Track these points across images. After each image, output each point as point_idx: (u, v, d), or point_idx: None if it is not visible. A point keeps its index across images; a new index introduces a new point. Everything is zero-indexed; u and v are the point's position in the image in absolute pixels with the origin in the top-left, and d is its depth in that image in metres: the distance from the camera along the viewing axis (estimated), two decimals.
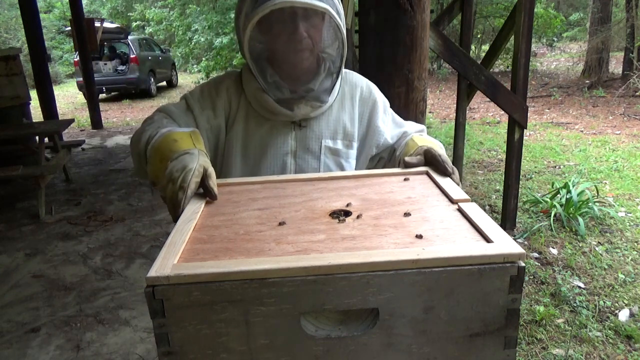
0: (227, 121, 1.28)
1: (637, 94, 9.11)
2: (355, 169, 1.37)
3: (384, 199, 1.01)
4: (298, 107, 1.22)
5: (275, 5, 1.06)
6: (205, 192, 0.98)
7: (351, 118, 1.33)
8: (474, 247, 0.76)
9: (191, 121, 1.24)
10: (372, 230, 0.86)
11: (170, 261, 0.74)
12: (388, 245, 0.80)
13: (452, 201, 0.97)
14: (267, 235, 0.85)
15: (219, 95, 1.28)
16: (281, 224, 0.89)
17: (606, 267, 3.35)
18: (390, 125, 1.39)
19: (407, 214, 0.91)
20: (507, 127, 3.86)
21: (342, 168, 1.31)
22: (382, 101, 1.39)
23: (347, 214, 0.94)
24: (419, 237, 0.81)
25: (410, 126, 1.42)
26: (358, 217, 0.92)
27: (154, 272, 0.71)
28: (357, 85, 1.36)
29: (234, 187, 1.11)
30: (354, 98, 1.34)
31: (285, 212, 0.95)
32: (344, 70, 1.30)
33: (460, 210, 0.92)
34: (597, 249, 3.61)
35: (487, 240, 0.78)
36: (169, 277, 0.70)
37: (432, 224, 0.87)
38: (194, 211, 0.93)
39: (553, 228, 3.90)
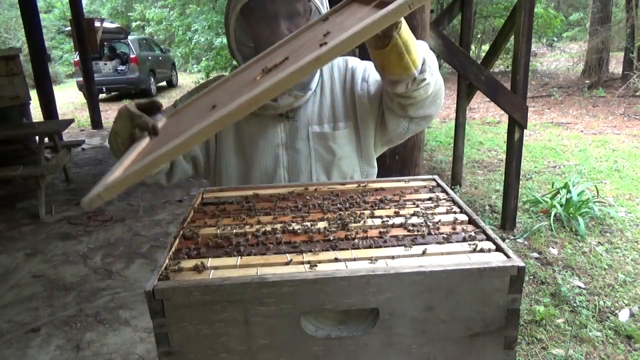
0: None
1: (637, 94, 9.11)
2: (367, 134, 1.32)
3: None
4: (282, 97, 1.25)
5: None
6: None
7: (334, 99, 1.33)
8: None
9: None
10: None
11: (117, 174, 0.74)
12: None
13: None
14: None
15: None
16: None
17: (606, 267, 3.35)
18: (372, 73, 1.33)
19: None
20: (507, 127, 3.86)
21: (331, 151, 1.30)
22: (360, 66, 1.35)
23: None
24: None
25: None
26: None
27: None
28: (334, 64, 1.37)
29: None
30: (334, 78, 1.35)
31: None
32: None
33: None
34: (597, 249, 3.61)
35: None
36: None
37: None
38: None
39: (553, 228, 3.89)
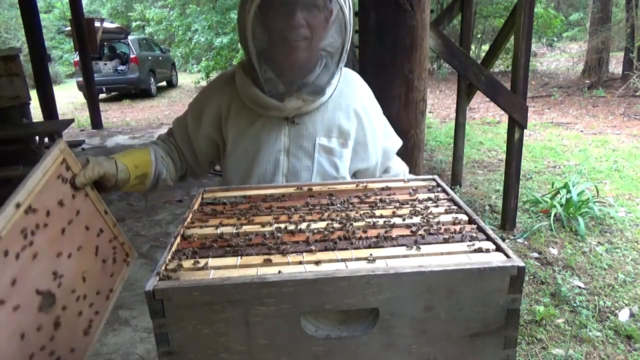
0: (220, 123, 1.31)
1: (637, 94, 9.11)
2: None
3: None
4: (289, 99, 1.19)
5: None
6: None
7: (347, 117, 1.29)
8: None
9: (187, 139, 1.36)
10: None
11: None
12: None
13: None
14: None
15: (207, 102, 1.33)
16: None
17: (606, 267, 3.35)
18: (378, 143, 1.37)
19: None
20: (507, 127, 3.85)
21: (335, 167, 1.28)
22: (376, 106, 1.38)
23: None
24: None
25: (397, 163, 1.45)
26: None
27: None
28: (355, 84, 1.35)
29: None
30: (352, 97, 1.31)
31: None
32: (343, 68, 1.28)
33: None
34: (597, 249, 3.61)
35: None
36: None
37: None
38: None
39: (553, 228, 3.89)
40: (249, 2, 1.11)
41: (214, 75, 12.62)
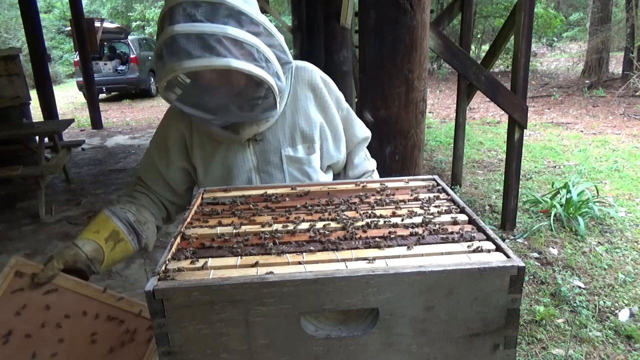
0: (187, 151, 1.29)
1: (637, 94, 9.11)
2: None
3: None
4: (243, 129, 1.18)
5: (174, 71, 0.99)
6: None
7: (307, 118, 1.26)
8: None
9: (158, 177, 1.33)
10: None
11: None
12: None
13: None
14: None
15: (169, 135, 1.29)
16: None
17: (606, 267, 3.35)
18: (342, 134, 1.34)
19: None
20: (507, 127, 3.85)
21: (307, 175, 1.27)
22: (335, 97, 1.32)
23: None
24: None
25: (364, 158, 1.43)
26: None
27: None
28: (305, 81, 1.28)
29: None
30: (307, 96, 1.27)
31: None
32: (293, 64, 1.23)
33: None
34: (597, 249, 3.61)
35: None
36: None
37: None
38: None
39: (553, 228, 3.89)
40: (160, 75, 1.03)
41: None
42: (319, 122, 1.28)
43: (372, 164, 1.45)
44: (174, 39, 0.98)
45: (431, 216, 0.92)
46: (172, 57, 0.99)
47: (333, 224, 0.90)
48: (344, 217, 0.93)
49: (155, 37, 17.37)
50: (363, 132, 1.41)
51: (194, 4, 0.99)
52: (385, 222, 0.90)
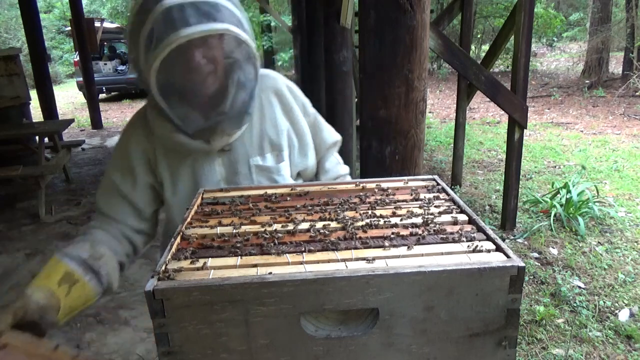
0: (152, 168, 1.24)
1: (637, 94, 9.11)
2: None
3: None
4: (214, 138, 1.15)
5: (172, 44, 0.97)
6: None
7: (274, 125, 1.25)
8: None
9: (122, 201, 1.24)
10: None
11: None
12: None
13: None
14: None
15: (131, 154, 1.23)
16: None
17: (606, 267, 3.35)
18: (310, 140, 1.33)
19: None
20: (507, 127, 3.86)
21: (276, 183, 1.25)
22: (300, 103, 1.32)
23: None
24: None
25: (335, 164, 1.42)
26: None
27: None
28: (272, 88, 1.27)
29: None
30: (272, 103, 1.26)
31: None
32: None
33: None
34: (597, 249, 3.61)
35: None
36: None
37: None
38: None
39: (553, 228, 3.89)
40: (145, 65, 1.02)
41: None
42: (286, 128, 1.27)
43: (344, 168, 1.44)
44: (168, 11, 0.96)
45: (431, 216, 0.92)
46: (167, 30, 0.96)
47: (333, 224, 0.90)
48: (344, 217, 0.93)
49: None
50: (332, 136, 1.40)
51: None
52: (385, 222, 0.90)
